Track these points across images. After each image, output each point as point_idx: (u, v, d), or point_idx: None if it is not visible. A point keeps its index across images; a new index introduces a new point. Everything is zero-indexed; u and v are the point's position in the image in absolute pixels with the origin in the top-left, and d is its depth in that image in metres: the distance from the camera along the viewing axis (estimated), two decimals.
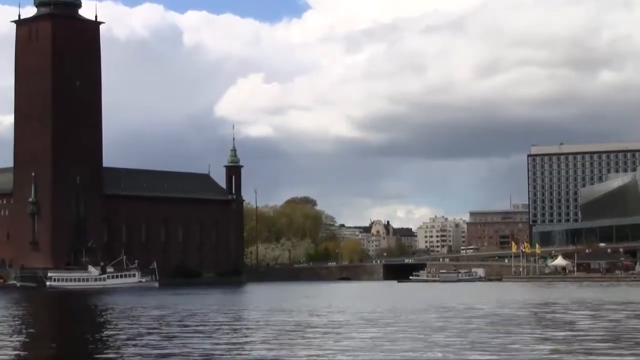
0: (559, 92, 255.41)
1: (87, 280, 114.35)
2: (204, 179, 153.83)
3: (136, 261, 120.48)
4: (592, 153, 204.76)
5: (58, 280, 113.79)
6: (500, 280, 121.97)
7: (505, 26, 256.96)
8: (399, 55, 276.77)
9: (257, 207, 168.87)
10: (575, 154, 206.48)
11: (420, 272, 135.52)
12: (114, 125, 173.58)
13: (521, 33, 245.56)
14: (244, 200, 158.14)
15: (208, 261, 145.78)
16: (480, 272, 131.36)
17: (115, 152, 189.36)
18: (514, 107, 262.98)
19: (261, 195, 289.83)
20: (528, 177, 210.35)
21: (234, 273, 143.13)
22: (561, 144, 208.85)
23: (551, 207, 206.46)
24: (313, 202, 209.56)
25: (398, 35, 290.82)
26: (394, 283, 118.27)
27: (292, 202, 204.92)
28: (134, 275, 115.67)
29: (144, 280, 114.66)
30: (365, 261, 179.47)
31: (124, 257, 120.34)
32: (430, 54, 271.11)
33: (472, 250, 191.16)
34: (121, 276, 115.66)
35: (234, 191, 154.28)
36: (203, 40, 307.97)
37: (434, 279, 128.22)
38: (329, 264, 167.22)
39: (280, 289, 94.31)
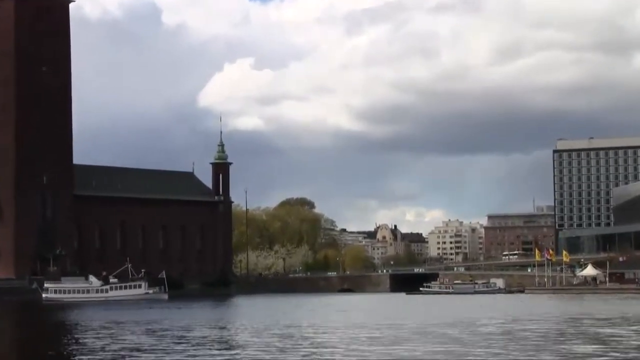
0: (587, 79, 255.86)
1: (88, 292, 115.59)
2: (188, 178, 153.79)
3: (143, 270, 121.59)
4: (625, 148, 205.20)
5: (55, 292, 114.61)
6: (522, 292, 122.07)
7: (526, 5, 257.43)
8: (406, 37, 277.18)
9: (247, 209, 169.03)
10: (606, 149, 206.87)
11: (432, 283, 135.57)
12: (85, 117, 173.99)
13: (544, 12, 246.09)
14: (232, 202, 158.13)
15: (192, 271, 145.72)
16: (500, 283, 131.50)
17: (87, 147, 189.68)
18: (537, 96, 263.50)
19: (252, 196, 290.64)
20: (553, 176, 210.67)
21: (221, 284, 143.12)
22: (591, 138, 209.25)
23: (580, 210, 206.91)
24: (311, 204, 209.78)
25: (405, 15, 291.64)
26: (402, 295, 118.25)
27: (286, 203, 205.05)
28: (140, 286, 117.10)
29: (151, 291, 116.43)
30: (369, 271, 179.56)
31: (129, 266, 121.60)
32: (441, 36, 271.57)
33: (490, 259, 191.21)
34: (126, 287, 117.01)
35: (221, 192, 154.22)
36: (185, 20, 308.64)
37: (448, 290, 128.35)
38: (329, 274, 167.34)
39: (273, 302, 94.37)
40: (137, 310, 72.81)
